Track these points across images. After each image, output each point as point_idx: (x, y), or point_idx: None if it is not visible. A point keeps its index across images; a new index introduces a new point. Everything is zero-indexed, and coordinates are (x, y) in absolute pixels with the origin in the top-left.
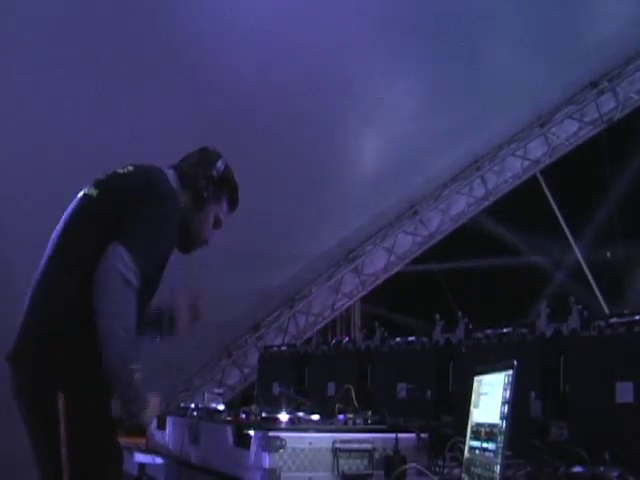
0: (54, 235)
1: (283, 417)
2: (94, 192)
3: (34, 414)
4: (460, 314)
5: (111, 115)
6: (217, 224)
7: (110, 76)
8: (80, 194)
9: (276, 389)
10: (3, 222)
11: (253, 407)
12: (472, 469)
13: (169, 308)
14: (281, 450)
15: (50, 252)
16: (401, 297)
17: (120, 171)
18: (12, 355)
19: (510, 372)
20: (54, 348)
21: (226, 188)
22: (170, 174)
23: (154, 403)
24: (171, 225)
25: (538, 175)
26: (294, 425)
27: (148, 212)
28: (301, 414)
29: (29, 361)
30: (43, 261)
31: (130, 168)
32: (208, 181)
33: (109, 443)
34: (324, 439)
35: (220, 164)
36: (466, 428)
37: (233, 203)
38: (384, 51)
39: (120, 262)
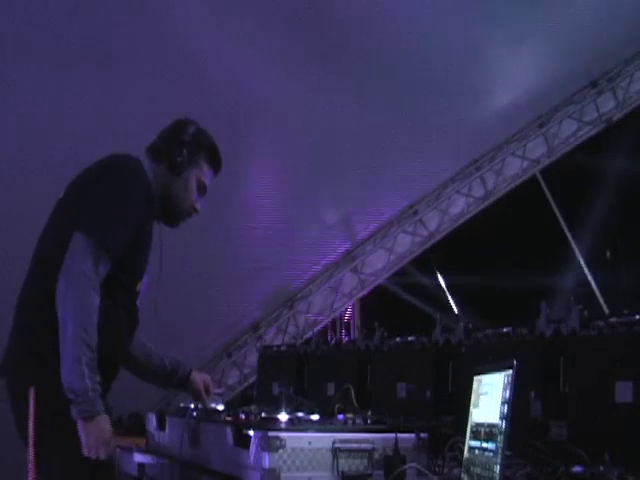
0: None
1: (283, 417)
2: (61, 194)
3: (13, 413)
4: (460, 314)
5: (111, 113)
6: (201, 189)
7: (109, 75)
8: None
9: (276, 389)
10: (4, 223)
11: (253, 407)
12: (472, 469)
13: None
14: (281, 450)
15: (31, 258)
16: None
17: (87, 167)
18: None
19: (510, 372)
20: (29, 348)
21: (202, 149)
22: (142, 155)
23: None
24: (132, 198)
25: (538, 175)
26: (294, 425)
27: (102, 191)
28: (301, 414)
29: (9, 363)
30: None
31: (94, 164)
32: (180, 146)
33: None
34: (324, 439)
35: (192, 128)
36: (466, 428)
37: (214, 164)
38: (384, 52)
39: (78, 255)
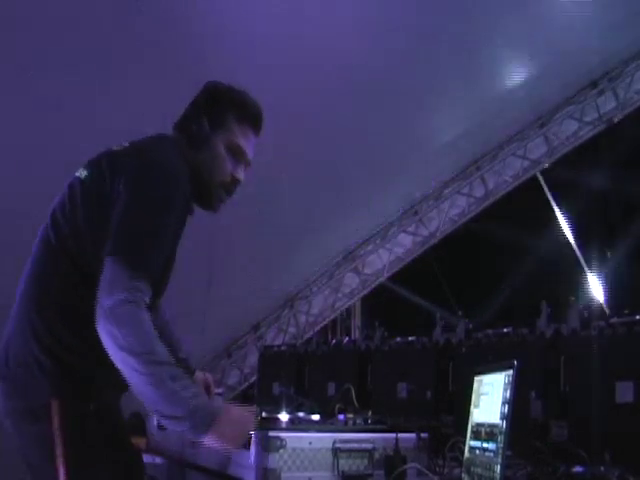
0: (42, 228)
1: (283, 417)
2: (83, 173)
3: (25, 432)
4: (460, 314)
5: (113, 114)
6: (237, 152)
7: (112, 75)
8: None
9: (276, 389)
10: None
11: (253, 407)
12: (472, 469)
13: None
14: (281, 450)
15: (35, 250)
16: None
17: (115, 148)
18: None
19: (510, 372)
20: (45, 352)
21: (227, 108)
22: (170, 135)
23: (241, 418)
24: (178, 204)
25: (538, 175)
26: (294, 425)
27: (141, 202)
28: (301, 414)
29: (17, 374)
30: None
31: (125, 144)
32: (198, 112)
33: (119, 458)
34: (324, 439)
35: (211, 86)
36: (466, 428)
37: (249, 120)
38: (383, 51)
39: (115, 284)
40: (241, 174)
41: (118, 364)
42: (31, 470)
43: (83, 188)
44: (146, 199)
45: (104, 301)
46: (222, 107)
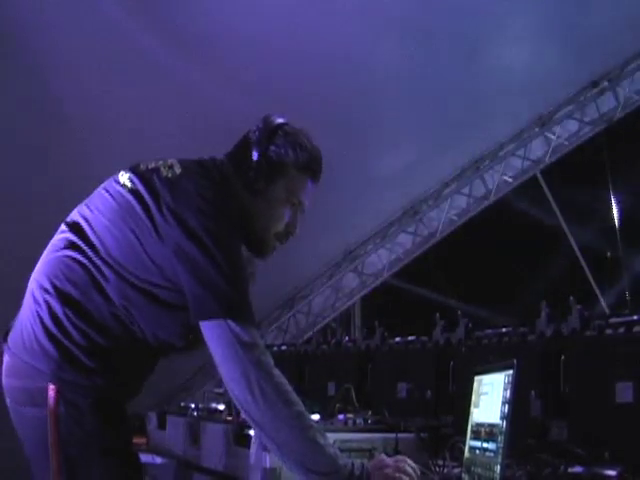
0: (78, 218)
1: None
2: (127, 185)
3: (24, 413)
4: (460, 313)
5: (117, 115)
6: (294, 203)
7: (117, 74)
8: (114, 185)
9: None
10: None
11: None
12: (472, 469)
13: None
14: None
15: (62, 243)
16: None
17: (164, 173)
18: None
19: (510, 372)
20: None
21: (287, 151)
22: (226, 168)
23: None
24: (241, 255)
25: (538, 175)
26: None
27: (221, 255)
28: None
29: (22, 354)
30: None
31: (177, 170)
32: (256, 151)
33: (118, 457)
34: None
35: (272, 123)
36: (466, 428)
37: (308, 168)
38: (384, 51)
39: (242, 342)
40: (296, 226)
41: (269, 421)
42: (27, 452)
43: (122, 203)
44: (224, 250)
45: (240, 366)
46: (285, 152)
